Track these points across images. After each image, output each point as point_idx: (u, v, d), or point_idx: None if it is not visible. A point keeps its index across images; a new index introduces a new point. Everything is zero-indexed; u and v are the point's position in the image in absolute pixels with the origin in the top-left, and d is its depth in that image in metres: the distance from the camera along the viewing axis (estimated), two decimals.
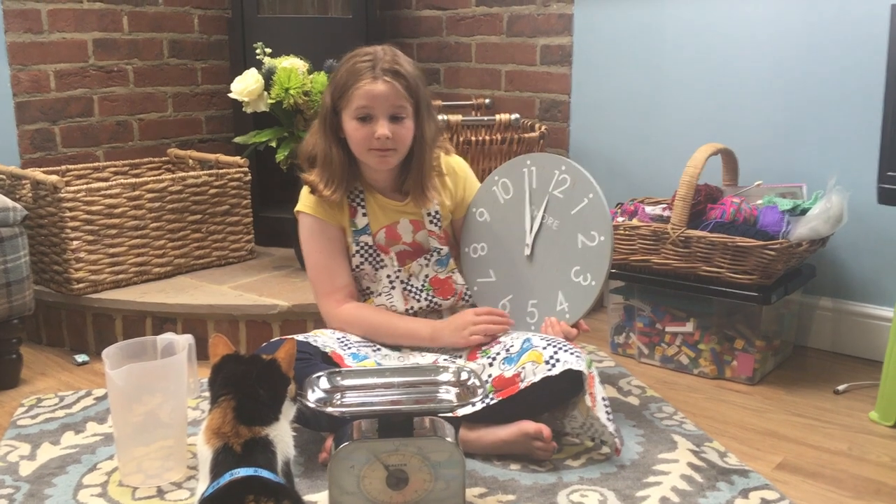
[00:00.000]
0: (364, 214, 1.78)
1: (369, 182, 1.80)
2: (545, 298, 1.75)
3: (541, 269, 1.76)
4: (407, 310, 1.79)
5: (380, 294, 1.79)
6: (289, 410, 1.28)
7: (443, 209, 1.83)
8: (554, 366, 1.55)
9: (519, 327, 1.76)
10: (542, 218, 1.75)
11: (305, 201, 1.80)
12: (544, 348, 1.59)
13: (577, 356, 1.57)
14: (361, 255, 1.79)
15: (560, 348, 1.59)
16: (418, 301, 1.80)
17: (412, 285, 1.80)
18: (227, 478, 1.13)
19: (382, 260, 1.79)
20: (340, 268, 1.78)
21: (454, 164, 1.88)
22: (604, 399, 1.61)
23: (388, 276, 1.79)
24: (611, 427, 1.58)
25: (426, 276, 1.81)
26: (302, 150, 1.81)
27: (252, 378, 1.25)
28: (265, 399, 1.24)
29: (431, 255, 1.81)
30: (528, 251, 1.75)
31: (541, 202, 1.76)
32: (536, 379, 1.55)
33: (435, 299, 1.81)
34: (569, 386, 1.58)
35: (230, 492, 1.12)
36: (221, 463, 1.16)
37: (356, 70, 1.69)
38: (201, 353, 1.71)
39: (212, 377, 1.29)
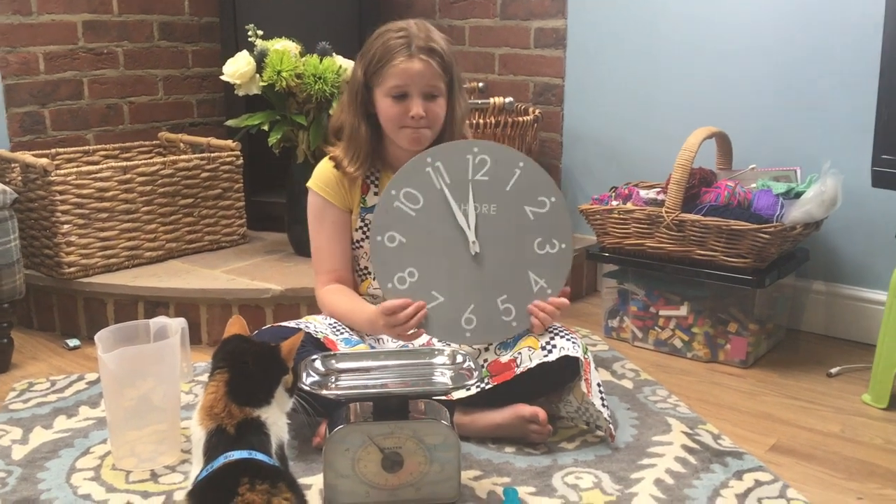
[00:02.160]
0: (375, 194, 1.75)
1: (390, 162, 1.76)
2: (516, 288, 1.60)
3: (495, 261, 1.60)
4: None
5: (376, 277, 1.78)
6: (283, 400, 1.27)
7: None
8: (550, 352, 1.55)
9: (498, 332, 1.62)
10: (476, 209, 1.59)
11: (317, 179, 1.76)
12: (540, 334, 1.59)
13: (574, 342, 1.57)
14: (363, 232, 1.77)
15: (556, 334, 1.59)
16: None
17: None
18: (221, 460, 1.13)
19: None
20: (334, 253, 1.77)
21: None
22: (598, 385, 1.61)
23: None
24: (605, 413, 1.58)
25: None
26: (330, 124, 1.79)
27: (249, 355, 1.25)
28: (256, 376, 1.23)
29: None
30: (477, 248, 1.59)
31: (465, 194, 1.59)
32: (532, 364, 1.55)
33: None
34: (565, 372, 1.58)
35: (225, 474, 1.11)
36: (215, 445, 1.15)
37: (390, 47, 1.64)
38: (194, 337, 1.71)
39: (216, 350, 1.29)
